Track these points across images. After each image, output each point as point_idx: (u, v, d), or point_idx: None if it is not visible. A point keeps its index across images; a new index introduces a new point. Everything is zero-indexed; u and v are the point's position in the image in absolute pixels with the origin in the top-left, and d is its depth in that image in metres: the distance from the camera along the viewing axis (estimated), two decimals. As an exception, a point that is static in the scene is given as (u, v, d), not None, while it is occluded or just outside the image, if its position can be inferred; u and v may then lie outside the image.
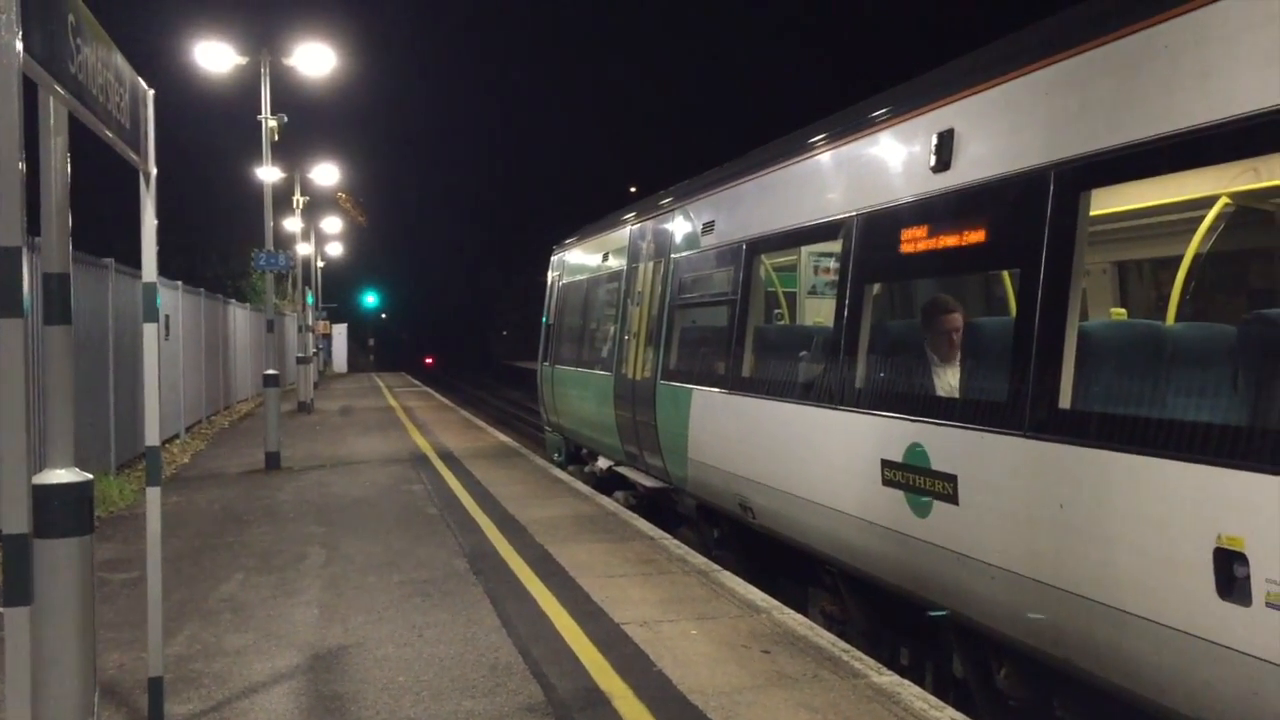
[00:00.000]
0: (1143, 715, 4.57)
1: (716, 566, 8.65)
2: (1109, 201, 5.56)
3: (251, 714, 5.46)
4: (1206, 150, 4.32)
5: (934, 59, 6.97)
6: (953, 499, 5.63)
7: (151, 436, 5.26)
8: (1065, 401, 4.90)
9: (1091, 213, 5.10)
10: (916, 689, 5.71)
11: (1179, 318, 5.47)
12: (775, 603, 7.50)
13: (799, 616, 7.16)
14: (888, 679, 5.83)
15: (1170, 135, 4.39)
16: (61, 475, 3.99)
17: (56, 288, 4.11)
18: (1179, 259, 5.56)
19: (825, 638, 6.61)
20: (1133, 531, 4.43)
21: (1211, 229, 5.32)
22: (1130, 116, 4.65)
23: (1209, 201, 5.29)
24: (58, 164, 4.11)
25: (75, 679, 4.02)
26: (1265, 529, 3.79)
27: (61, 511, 3.95)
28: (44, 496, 3.89)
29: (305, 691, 5.78)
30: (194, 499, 12.74)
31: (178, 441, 18.59)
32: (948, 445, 5.73)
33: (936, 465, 5.80)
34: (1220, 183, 5.13)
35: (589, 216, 17.29)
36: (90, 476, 4.10)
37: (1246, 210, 5.26)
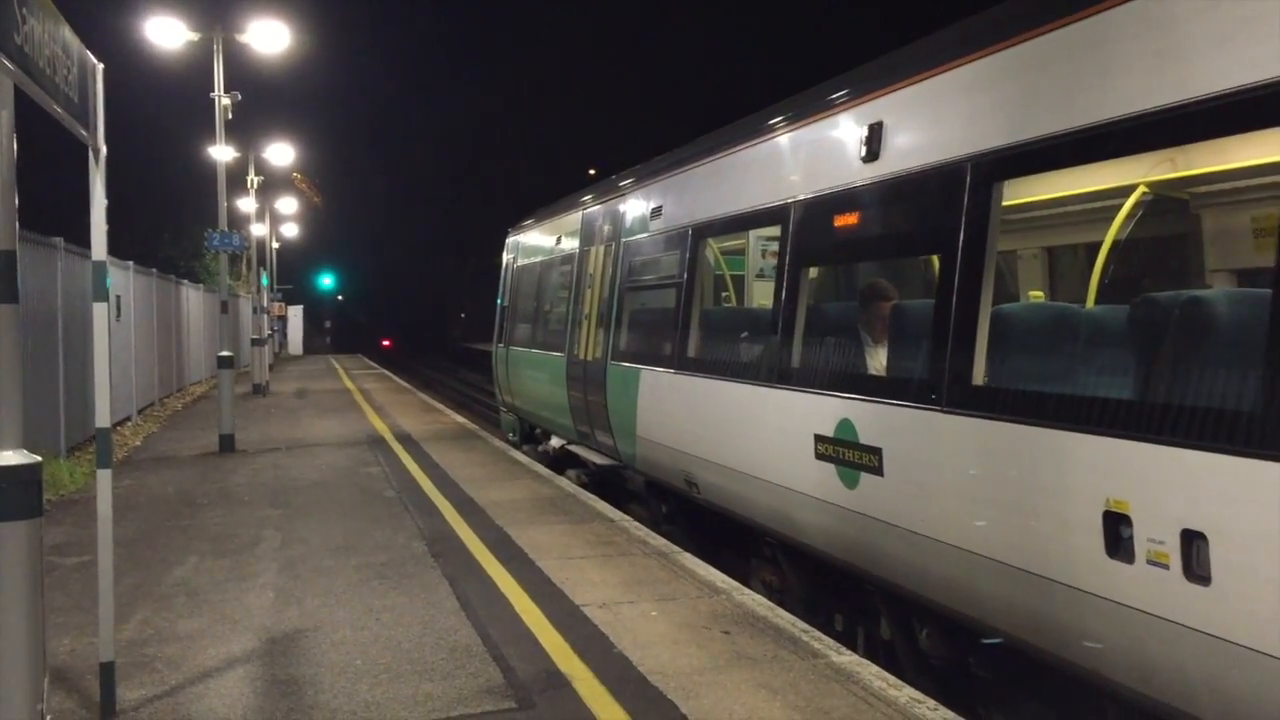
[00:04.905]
0: (1048, 669, 4.91)
1: (676, 548, 8.66)
2: (1037, 190, 5.93)
3: (205, 699, 5.39)
4: (1105, 145, 4.62)
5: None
6: (878, 470, 5.98)
7: (102, 418, 5.17)
8: (978, 378, 5.25)
9: (1022, 200, 5.54)
10: (875, 668, 5.75)
11: (1089, 301, 5.76)
12: (735, 584, 7.53)
13: (759, 597, 7.19)
14: (847, 659, 5.87)
15: (1072, 131, 4.72)
16: (9, 457, 3.92)
17: (2, 266, 4.02)
18: (1094, 245, 5.93)
19: (785, 618, 6.64)
20: (1035, 497, 4.79)
21: (1114, 215, 5.62)
22: (1038, 113, 4.98)
23: (1118, 191, 5.61)
24: (3, 139, 4.01)
25: (24, 664, 3.95)
26: (1147, 493, 4.15)
27: (9, 494, 3.88)
28: (-9, 479, 3.82)
29: (260, 675, 5.71)
30: (146, 482, 12.57)
31: (130, 424, 18.33)
32: (874, 420, 6.08)
33: (864, 439, 6.13)
34: (1122, 174, 5.42)
35: (547, 198, 17.26)
36: (39, 459, 4.02)
37: (1157, 199, 5.51)
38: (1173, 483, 4.05)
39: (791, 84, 9.06)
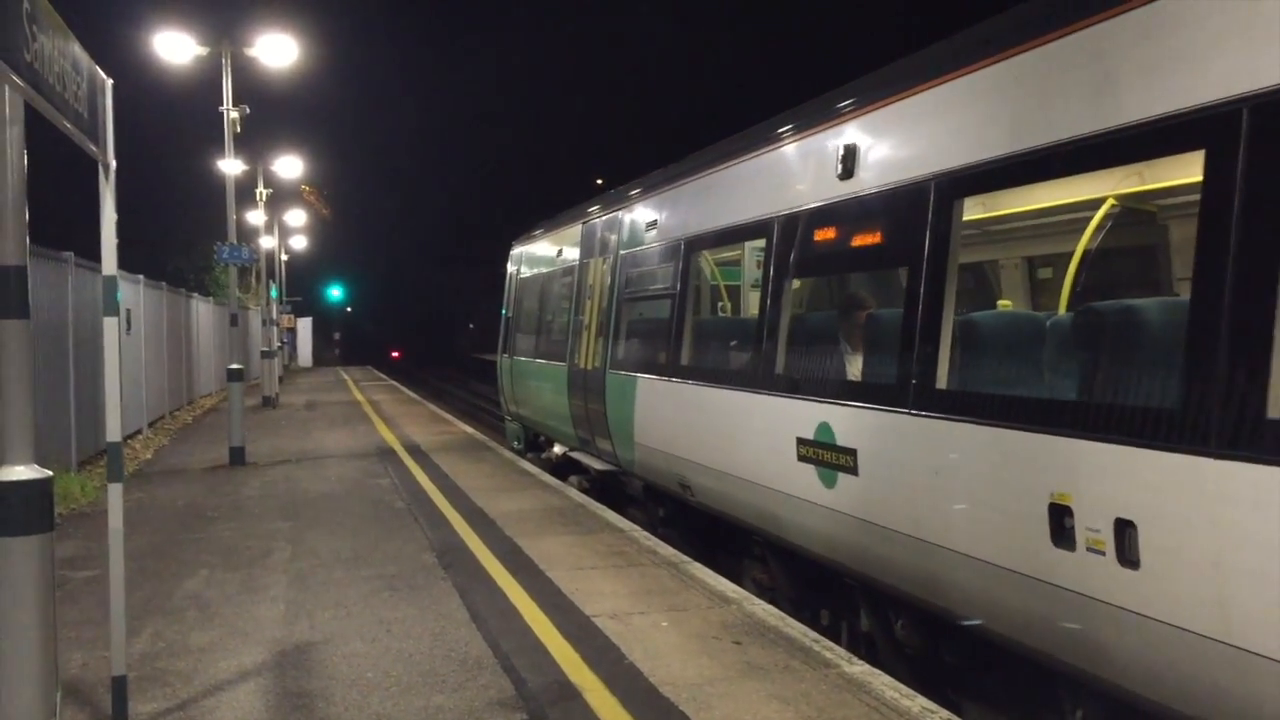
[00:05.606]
0: (1010, 654, 5.22)
1: (686, 558, 8.66)
2: (997, 206, 6.29)
3: (218, 712, 5.39)
4: (1048, 166, 4.95)
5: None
6: (853, 470, 6.30)
7: (113, 432, 5.18)
8: (940, 382, 5.58)
9: (982, 216, 6.11)
10: (887, 678, 5.73)
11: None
12: (745, 594, 7.53)
13: (769, 607, 7.18)
14: (859, 669, 5.85)
15: (1017, 154, 5.09)
16: (20, 472, 3.92)
17: (13, 281, 4.02)
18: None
19: (796, 628, 6.62)
20: (991, 492, 5.13)
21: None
22: (989, 137, 5.36)
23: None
24: (13, 155, 4.02)
25: (36, 678, 3.95)
26: (1086, 486, 4.47)
27: (21, 509, 3.89)
28: (2, 494, 3.83)
29: (272, 689, 5.72)
30: (157, 495, 12.59)
31: (140, 437, 18.37)
32: (850, 423, 6.41)
33: (840, 441, 6.46)
34: (1062, 193, 5.77)
35: (555, 209, 17.32)
36: (50, 473, 4.03)
37: (1122, 211, 5.72)
38: (1107, 475, 4.38)
39: (799, 92, 9.16)
